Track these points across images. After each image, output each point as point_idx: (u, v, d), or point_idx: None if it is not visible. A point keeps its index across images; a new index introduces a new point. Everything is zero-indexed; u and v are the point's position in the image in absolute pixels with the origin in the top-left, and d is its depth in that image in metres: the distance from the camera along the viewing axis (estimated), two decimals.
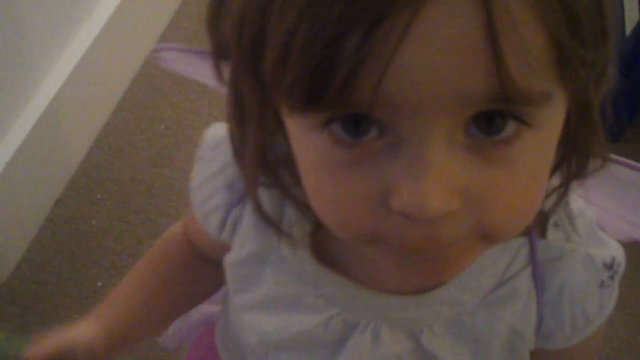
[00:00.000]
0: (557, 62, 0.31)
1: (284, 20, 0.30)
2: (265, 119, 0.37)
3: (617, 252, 0.49)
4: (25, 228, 1.19)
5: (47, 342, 0.53)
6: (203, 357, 0.69)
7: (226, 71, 0.39)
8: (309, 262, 0.47)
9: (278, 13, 0.31)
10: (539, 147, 0.34)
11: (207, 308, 0.69)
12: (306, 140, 0.35)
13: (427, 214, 0.32)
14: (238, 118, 0.39)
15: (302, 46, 0.30)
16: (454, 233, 0.34)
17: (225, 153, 0.47)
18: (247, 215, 0.49)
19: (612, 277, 0.48)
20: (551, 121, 0.34)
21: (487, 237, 0.36)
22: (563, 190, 0.43)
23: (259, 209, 0.44)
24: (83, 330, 0.55)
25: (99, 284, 1.15)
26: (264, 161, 0.41)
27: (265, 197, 0.46)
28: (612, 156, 0.45)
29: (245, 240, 0.50)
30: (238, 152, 0.41)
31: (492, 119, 0.32)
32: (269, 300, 0.50)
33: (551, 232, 0.47)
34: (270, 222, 0.45)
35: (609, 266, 0.48)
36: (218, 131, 0.51)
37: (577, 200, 0.48)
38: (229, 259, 0.52)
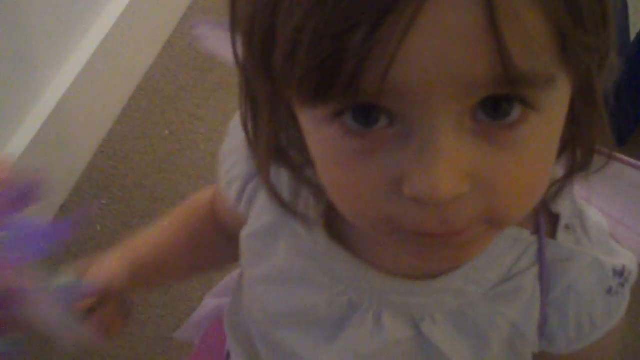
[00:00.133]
0: (559, 46, 0.32)
1: (292, 17, 0.31)
2: (276, 113, 0.39)
3: (629, 262, 0.49)
4: None
5: (97, 276, 0.55)
6: (210, 352, 0.69)
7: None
8: (321, 238, 0.48)
9: (287, 10, 0.32)
10: (545, 130, 0.35)
11: (217, 301, 0.70)
12: (318, 132, 0.36)
13: (438, 198, 0.33)
14: (251, 111, 0.41)
15: (310, 41, 0.31)
16: (464, 217, 0.35)
17: None
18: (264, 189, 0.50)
19: (622, 285, 0.48)
20: (556, 104, 0.35)
21: (496, 221, 0.36)
22: (566, 180, 0.44)
23: (272, 193, 0.45)
24: (114, 268, 0.56)
25: None
26: (276, 150, 0.42)
27: (284, 175, 0.47)
28: (618, 155, 0.45)
29: (261, 213, 0.51)
30: (251, 142, 0.43)
31: (499, 104, 0.33)
32: (278, 273, 0.51)
33: (562, 234, 0.47)
34: (283, 205, 0.46)
35: (619, 273, 0.48)
36: None
37: (593, 209, 0.49)
38: (244, 232, 0.53)
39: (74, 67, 1.24)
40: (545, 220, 0.47)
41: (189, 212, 0.63)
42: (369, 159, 0.35)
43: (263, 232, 0.51)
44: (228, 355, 0.63)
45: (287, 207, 0.46)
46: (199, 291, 1.13)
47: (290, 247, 0.50)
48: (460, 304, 0.48)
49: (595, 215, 0.49)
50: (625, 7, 1.25)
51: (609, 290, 0.48)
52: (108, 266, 0.56)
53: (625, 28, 1.23)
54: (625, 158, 0.48)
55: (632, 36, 1.25)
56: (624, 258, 0.49)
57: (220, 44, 0.57)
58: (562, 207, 0.47)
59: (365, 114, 0.34)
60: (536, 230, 0.47)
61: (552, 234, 0.47)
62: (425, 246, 0.38)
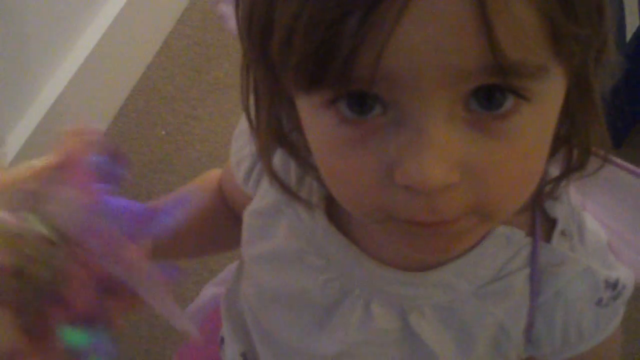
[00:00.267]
0: (551, 38, 0.32)
1: (288, 5, 0.32)
2: (276, 100, 0.40)
3: (624, 276, 0.48)
4: None
5: None
6: (205, 339, 0.69)
7: None
8: (321, 222, 0.49)
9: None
10: (537, 122, 0.35)
11: (215, 290, 0.71)
12: (314, 119, 0.37)
13: (428, 186, 0.33)
14: (254, 98, 0.42)
15: (306, 29, 0.32)
16: (454, 207, 0.35)
17: None
18: None
19: (614, 299, 0.48)
20: (549, 96, 0.35)
21: (486, 214, 0.37)
22: (561, 179, 0.44)
23: (272, 178, 0.46)
24: None
25: None
26: (280, 135, 0.43)
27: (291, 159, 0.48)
28: (613, 158, 0.45)
29: (267, 192, 0.52)
30: (253, 127, 0.44)
31: (492, 94, 0.33)
32: (275, 253, 0.52)
33: (557, 239, 0.47)
34: (283, 189, 0.47)
35: (612, 286, 0.48)
36: None
37: (593, 220, 0.49)
38: (249, 209, 0.54)
39: (70, 67, 1.24)
40: (541, 223, 0.47)
41: (201, 192, 0.63)
42: (363, 147, 0.35)
43: (266, 210, 0.52)
44: (222, 340, 0.63)
45: (287, 191, 0.47)
46: (192, 291, 1.13)
47: (290, 228, 0.51)
48: (450, 300, 0.48)
49: (594, 226, 0.49)
50: (621, 8, 1.25)
51: (599, 301, 0.48)
52: None
53: (621, 28, 1.23)
54: (624, 164, 0.48)
55: (628, 36, 1.25)
56: (620, 272, 0.48)
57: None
58: (560, 213, 0.47)
59: (360, 101, 0.34)
60: (532, 233, 0.47)
61: (548, 238, 0.47)
62: (416, 235, 0.38)
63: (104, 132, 0.46)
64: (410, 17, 0.30)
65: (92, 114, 1.33)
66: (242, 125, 0.55)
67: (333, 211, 0.49)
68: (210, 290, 0.72)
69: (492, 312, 0.48)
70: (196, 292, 0.75)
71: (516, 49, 0.31)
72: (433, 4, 0.30)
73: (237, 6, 0.39)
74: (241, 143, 0.54)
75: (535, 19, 0.31)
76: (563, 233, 0.47)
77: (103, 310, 0.44)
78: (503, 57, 0.31)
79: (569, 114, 0.38)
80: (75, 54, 1.26)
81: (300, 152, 0.45)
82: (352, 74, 0.32)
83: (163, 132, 1.37)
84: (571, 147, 0.42)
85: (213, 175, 0.64)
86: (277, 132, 0.43)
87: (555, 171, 0.44)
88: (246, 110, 0.43)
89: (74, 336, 0.43)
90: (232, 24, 0.61)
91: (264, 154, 0.45)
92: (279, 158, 0.48)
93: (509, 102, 0.33)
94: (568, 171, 0.43)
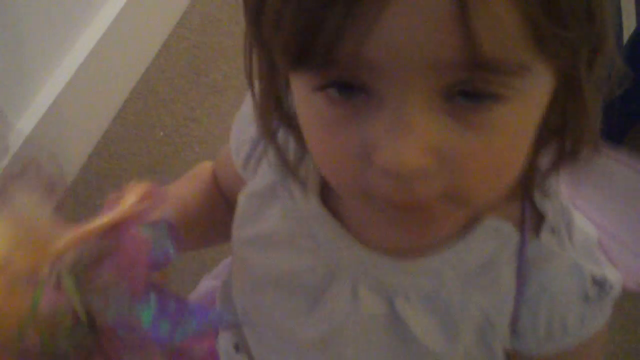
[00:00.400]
0: (533, 38, 0.32)
1: None
2: (274, 79, 0.42)
3: (612, 276, 0.49)
4: None
5: None
6: None
7: None
8: (314, 204, 0.50)
9: None
10: (518, 117, 0.36)
11: (212, 283, 0.71)
12: (307, 100, 0.38)
13: (402, 170, 0.35)
14: (258, 75, 0.43)
15: (293, 12, 0.33)
16: (429, 191, 0.36)
17: None
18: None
19: (600, 297, 0.48)
20: (531, 92, 0.36)
21: (460, 200, 0.38)
22: (551, 170, 0.44)
23: (277, 152, 0.48)
24: None
25: None
26: (279, 114, 0.45)
27: (292, 141, 0.49)
28: (614, 154, 0.45)
29: (265, 174, 0.53)
30: (256, 102, 0.45)
31: (473, 87, 0.34)
32: (267, 235, 0.53)
33: (545, 234, 0.47)
34: (286, 164, 0.48)
35: (599, 283, 0.48)
36: None
37: (582, 218, 0.49)
38: (245, 191, 0.55)
39: (69, 68, 1.24)
40: (531, 217, 0.48)
41: (194, 179, 0.64)
42: (347, 126, 0.37)
43: (261, 192, 0.53)
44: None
45: (288, 167, 0.48)
46: (189, 284, 1.13)
47: (284, 210, 0.52)
48: (436, 288, 0.48)
49: (583, 224, 0.49)
50: (618, 10, 1.26)
51: (585, 297, 0.48)
52: None
53: (618, 31, 1.24)
54: (623, 158, 0.48)
55: (625, 38, 1.25)
56: (608, 271, 0.49)
57: None
58: (550, 209, 0.47)
59: (347, 90, 0.36)
60: (520, 226, 0.47)
61: (537, 233, 0.48)
62: (394, 217, 0.39)
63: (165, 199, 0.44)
64: (392, 10, 0.31)
65: (90, 116, 1.33)
66: (242, 111, 0.56)
67: (327, 196, 0.50)
68: (207, 283, 0.73)
69: (478, 302, 0.48)
70: (193, 285, 0.75)
71: (495, 46, 0.32)
72: None
73: None
74: (240, 127, 0.56)
75: (516, 19, 0.32)
76: (552, 229, 0.48)
77: None
78: (480, 53, 0.32)
79: (559, 109, 0.39)
80: (74, 55, 1.26)
81: (299, 131, 0.45)
82: (334, 58, 0.33)
83: (161, 134, 1.37)
84: (563, 139, 0.42)
85: (204, 167, 0.65)
86: (282, 111, 0.44)
87: (545, 163, 0.44)
88: (252, 94, 0.45)
89: None
90: None
91: (265, 129, 0.46)
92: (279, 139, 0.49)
93: (489, 96, 0.34)
94: (558, 162, 0.43)
